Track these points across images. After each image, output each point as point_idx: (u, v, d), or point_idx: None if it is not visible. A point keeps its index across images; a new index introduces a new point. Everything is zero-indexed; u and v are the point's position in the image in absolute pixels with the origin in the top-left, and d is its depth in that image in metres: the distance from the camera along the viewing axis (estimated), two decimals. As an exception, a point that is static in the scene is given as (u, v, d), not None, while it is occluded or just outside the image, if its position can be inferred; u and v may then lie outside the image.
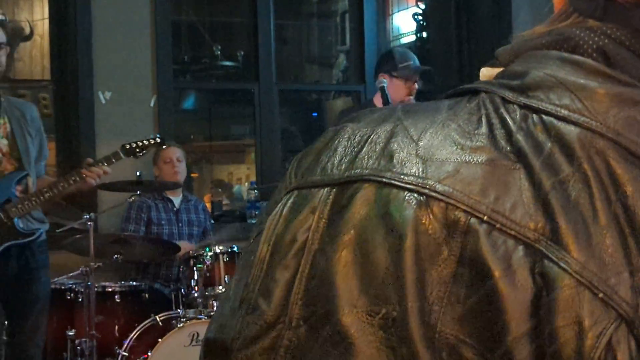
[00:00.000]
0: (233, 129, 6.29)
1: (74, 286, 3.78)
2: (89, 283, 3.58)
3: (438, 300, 0.60)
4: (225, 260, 3.94)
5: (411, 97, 3.91)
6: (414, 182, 0.63)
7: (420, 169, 0.63)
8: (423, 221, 0.61)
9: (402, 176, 0.63)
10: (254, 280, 0.68)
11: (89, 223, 3.61)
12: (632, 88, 0.64)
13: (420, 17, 5.94)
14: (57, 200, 3.38)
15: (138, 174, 3.89)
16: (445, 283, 0.60)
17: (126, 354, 3.54)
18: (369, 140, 0.67)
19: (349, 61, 5.76)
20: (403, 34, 6.18)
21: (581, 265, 0.58)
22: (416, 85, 3.82)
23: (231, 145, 6.23)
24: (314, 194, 0.67)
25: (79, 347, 3.61)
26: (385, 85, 3.72)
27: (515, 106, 0.65)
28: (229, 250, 3.97)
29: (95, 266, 3.60)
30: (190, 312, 3.67)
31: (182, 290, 3.94)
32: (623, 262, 0.59)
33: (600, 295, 0.58)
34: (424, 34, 5.97)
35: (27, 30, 3.42)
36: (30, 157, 3.34)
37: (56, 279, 3.82)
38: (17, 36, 3.37)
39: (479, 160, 0.63)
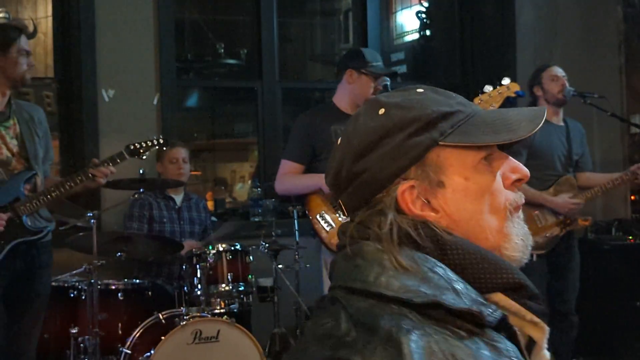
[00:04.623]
0: (236, 127, 6.28)
1: (77, 284, 3.78)
2: (92, 281, 3.58)
3: None
4: (228, 258, 3.94)
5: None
6: None
7: None
8: None
9: None
10: None
11: (92, 221, 3.62)
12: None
13: (423, 15, 5.94)
14: (63, 199, 3.42)
15: (141, 171, 3.90)
16: None
17: (129, 352, 3.55)
18: None
19: (352, 59, 5.75)
20: (406, 32, 6.17)
21: None
22: (381, 87, 3.75)
23: (234, 143, 6.22)
24: None
25: (82, 345, 3.61)
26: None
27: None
28: (232, 248, 3.97)
29: (99, 264, 3.60)
30: (193, 310, 3.67)
31: (185, 288, 3.94)
32: None
33: None
34: (428, 32, 5.97)
35: (31, 28, 3.45)
36: (38, 158, 3.40)
37: (59, 277, 3.83)
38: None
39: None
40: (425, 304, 0.89)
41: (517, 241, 1.03)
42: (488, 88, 3.43)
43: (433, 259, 0.96)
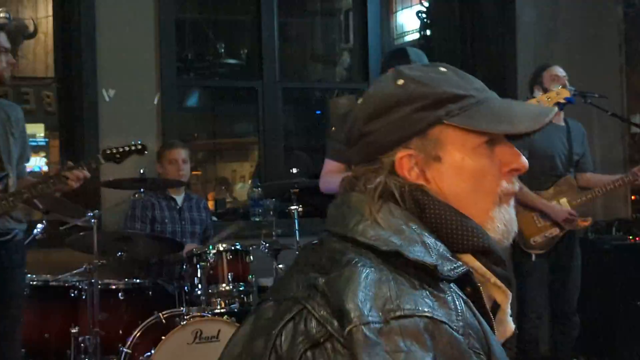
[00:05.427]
0: (236, 127, 6.29)
1: (77, 283, 3.78)
2: (93, 280, 3.58)
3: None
4: (228, 257, 3.94)
5: None
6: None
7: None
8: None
9: None
10: None
11: (92, 220, 3.62)
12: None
13: (424, 15, 5.94)
14: (35, 201, 3.31)
15: (141, 171, 3.90)
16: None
17: (130, 351, 3.55)
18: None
19: (352, 59, 5.76)
20: (407, 31, 6.17)
21: None
22: None
23: (235, 143, 6.23)
24: None
25: (82, 344, 3.61)
26: None
27: None
28: (232, 248, 3.97)
29: (99, 264, 3.60)
30: (194, 310, 3.67)
31: (186, 287, 3.94)
32: None
33: None
34: (428, 32, 5.97)
35: (31, 28, 3.43)
36: (11, 158, 3.30)
37: (59, 277, 3.83)
38: (21, 34, 3.37)
39: None
40: (389, 252, 0.99)
41: (499, 225, 1.10)
42: (537, 93, 3.43)
43: (410, 215, 1.05)
